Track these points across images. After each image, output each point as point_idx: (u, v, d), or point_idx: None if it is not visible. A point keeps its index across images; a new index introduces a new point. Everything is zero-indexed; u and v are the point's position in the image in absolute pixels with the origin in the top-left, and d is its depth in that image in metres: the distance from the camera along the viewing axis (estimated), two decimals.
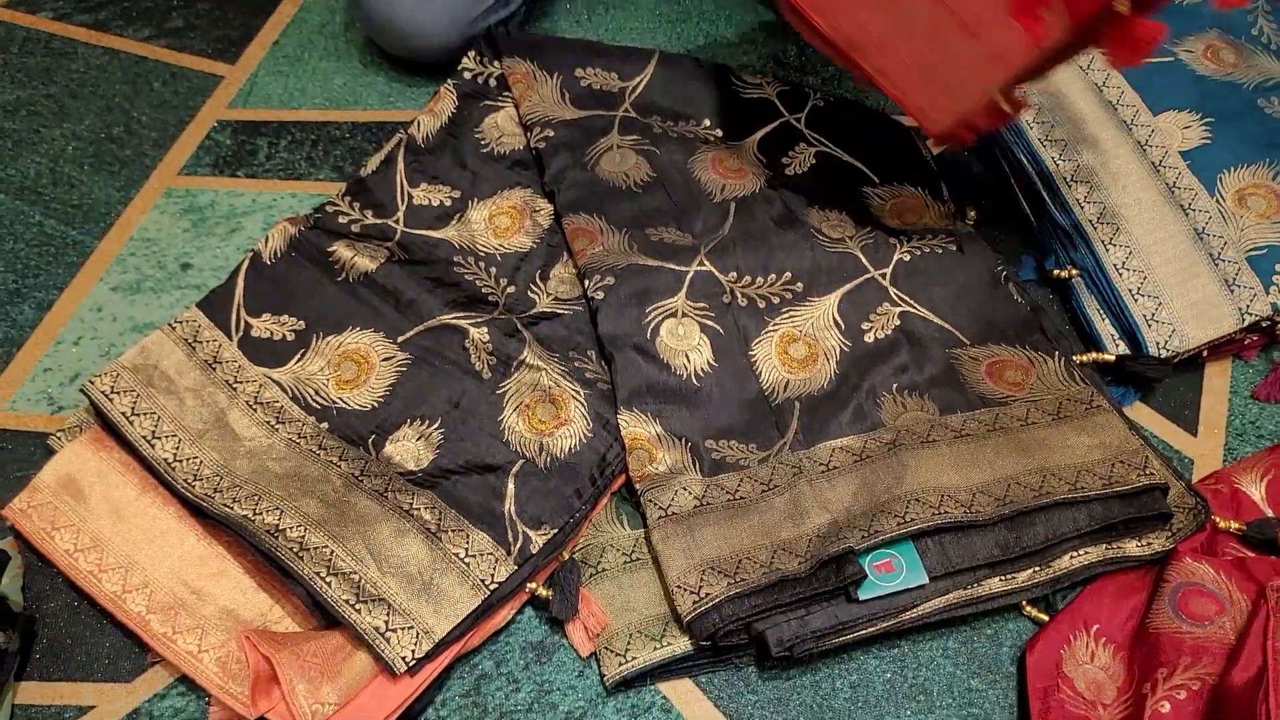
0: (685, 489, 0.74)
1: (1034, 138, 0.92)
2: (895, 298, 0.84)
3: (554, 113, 0.95)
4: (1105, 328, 0.84)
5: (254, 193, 0.98)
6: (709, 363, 0.81)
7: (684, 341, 0.81)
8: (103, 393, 0.77)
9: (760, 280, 0.85)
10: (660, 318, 0.82)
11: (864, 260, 0.86)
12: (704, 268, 0.84)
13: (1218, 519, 0.72)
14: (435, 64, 1.03)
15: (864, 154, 0.96)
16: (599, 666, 0.70)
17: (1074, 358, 0.82)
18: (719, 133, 0.97)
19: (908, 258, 0.86)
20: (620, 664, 0.69)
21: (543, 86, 0.97)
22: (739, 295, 0.84)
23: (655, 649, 0.69)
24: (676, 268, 0.84)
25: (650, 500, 0.74)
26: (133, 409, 0.76)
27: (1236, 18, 0.95)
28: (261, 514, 0.71)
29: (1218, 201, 0.85)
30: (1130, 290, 0.83)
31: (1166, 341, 0.81)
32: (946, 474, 0.74)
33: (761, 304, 0.84)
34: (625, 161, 0.92)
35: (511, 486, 0.74)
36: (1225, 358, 0.85)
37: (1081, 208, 0.88)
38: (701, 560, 0.70)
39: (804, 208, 0.91)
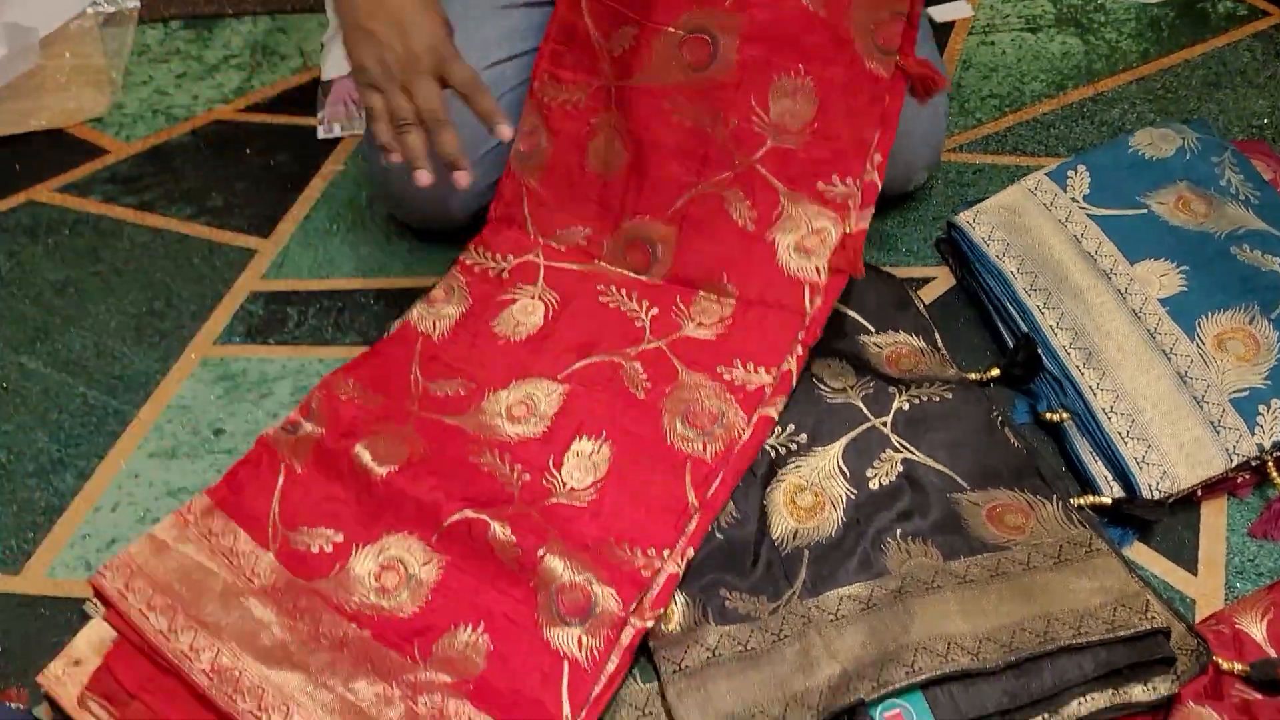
0: (698, 642, 0.76)
1: (1019, 287, 0.97)
2: (897, 444, 0.88)
3: None
4: (1099, 469, 0.87)
5: (284, 359, 1.04)
6: (731, 515, 0.84)
7: None
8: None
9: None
10: None
11: (865, 409, 0.90)
12: None
13: (1220, 660, 0.73)
14: (453, 232, 1.10)
15: (860, 305, 1.01)
16: None
17: (1071, 500, 0.84)
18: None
19: (907, 406, 0.90)
20: None
21: None
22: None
23: None
24: None
25: (664, 657, 0.76)
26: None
27: (1204, 170, 1.01)
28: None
29: (1198, 346, 0.89)
30: (1120, 433, 0.86)
31: (1158, 483, 0.83)
32: (953, 622, 0.75)
33: (771, 455, 0.87)
34: None
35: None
36: (1220, 496, 0.87)
37: (1068, 354, 0.92)
38: (715, 716, 0.72)
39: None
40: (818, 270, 0.93)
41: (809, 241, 0.94)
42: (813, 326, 0.91)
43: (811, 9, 0.93)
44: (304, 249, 1.16)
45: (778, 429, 0.89)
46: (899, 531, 0.82)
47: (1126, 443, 0.86)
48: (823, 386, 0.92)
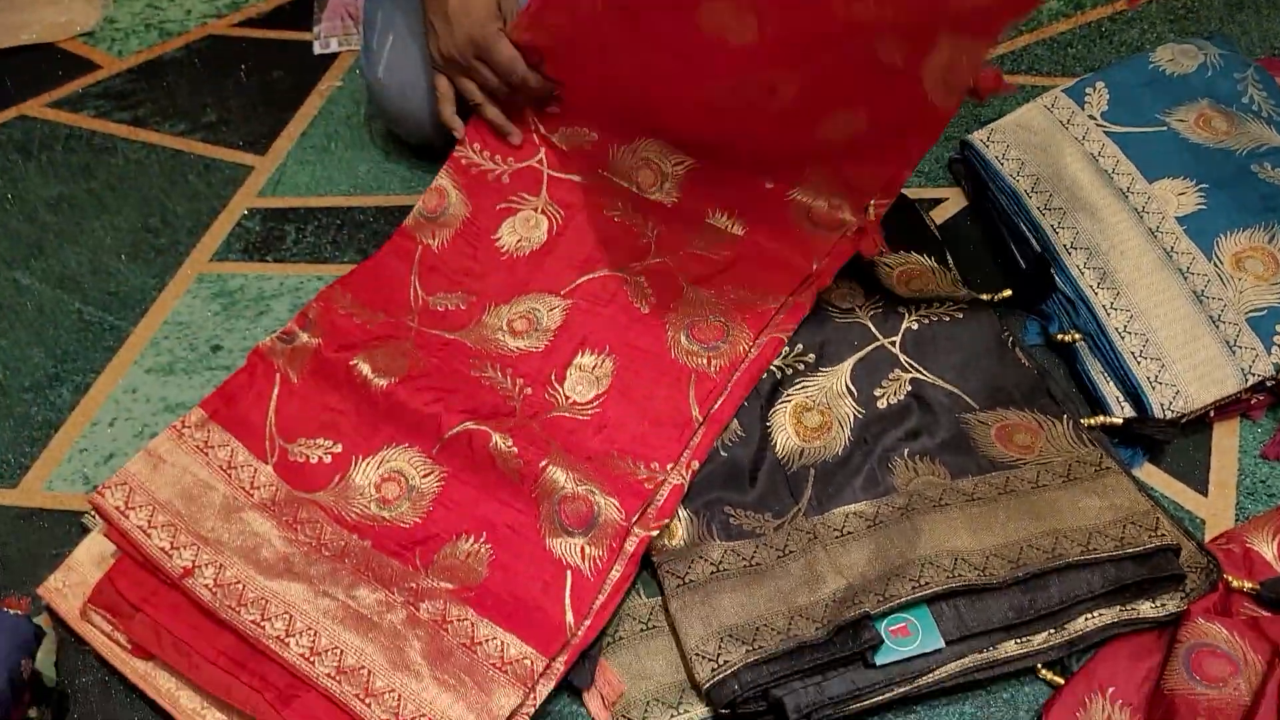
0: (702, 557, 0.76)
1: (1033, 206, 0.95)
2: (905, 364, 0.86)
3: None
4: (1110, 390, 0.86)
5: (281, 276, 1.02)
6: (735, 433, 0.83)
7: None
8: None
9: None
10: None
11: (873, 329, 0.88)
12: None
13: (1230, 578, 0.73)
14: (452, 148, 1.07)
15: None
16: None
17: (1081, 421, 0.83)
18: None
19: (916, 326, 0.88)
20: None
21: None
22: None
23: (672, 716, 0.70)
24: None
25: (668, 571, 0.75)
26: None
27: (1226, 87, 0.98)
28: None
29: (1215, 265, 0.87)
30: (1133, 353, 0.85)
31: (1170, 403, 0.82)
32: (960, 537, 0.75)
33: (777, 375, 0.86)
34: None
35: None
36: (1233, 417, 0.86)
37: (1081, 274, 0.90)
38: (719, 627, 0.72)
39: None
40: (829, 240, 0.91)
41: (826, 216, 0.91)
42: (823, 275, 0.90)
43: (885, 60, 0.81)
44: (301, 166, 1.13)
45: (785, 349, 0.87)
46: (906, 450, 0.81)
47: (1139, 362, 0.84)
48: (830, 307, 0.90)
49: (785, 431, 0.83)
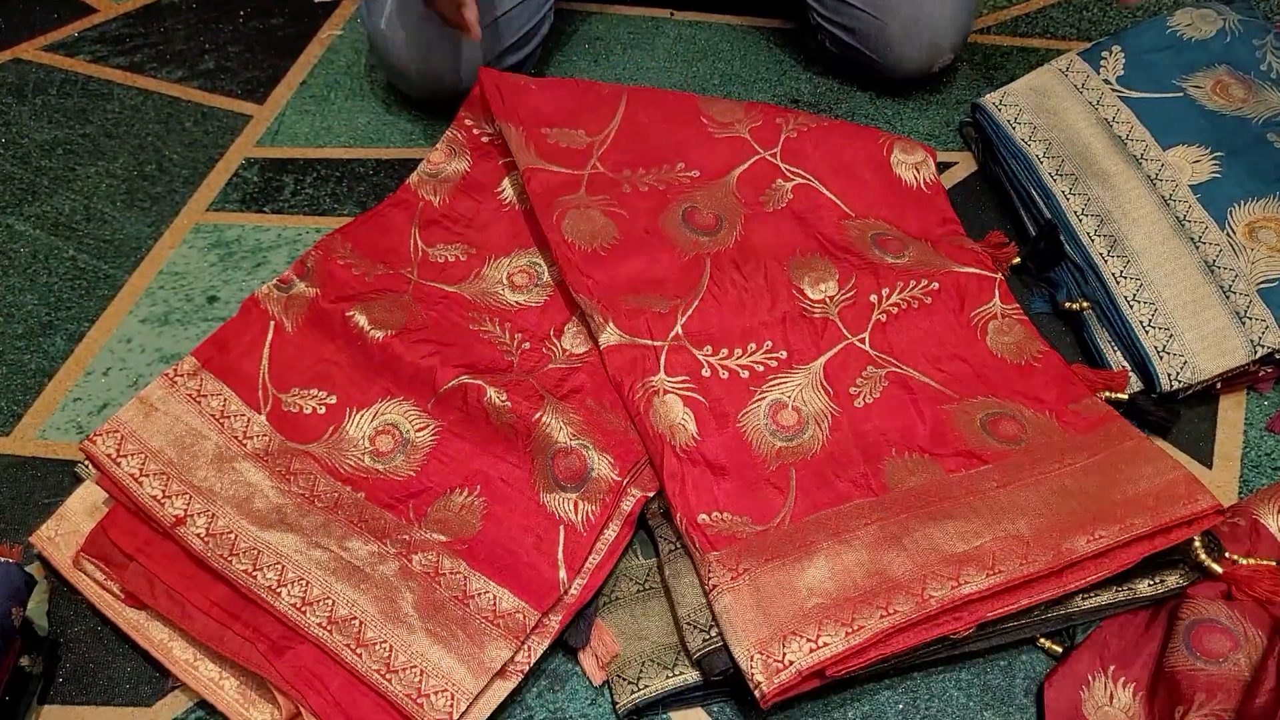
0: None
1: (1044, 172, 0.93)
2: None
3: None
4: (1117, 360, 0.85)
5: (279, 227, 1.00)
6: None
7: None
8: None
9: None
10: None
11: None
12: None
13: (1232, 556, 0.72)
14: (453, 103, 1.06)
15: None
16: (612, 694, 0.70)
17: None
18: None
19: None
20: (633, 692, 0.69)
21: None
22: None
23: (667, 677, 0.69)
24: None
25: (661, 536, 0.75)
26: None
27: (1245, 54, 0.96)
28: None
29: (1228, 235, 0.85)
30: (1141, 322, 0.84)
31: (1178, 373, 0.81)
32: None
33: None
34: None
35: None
36: (1239, 390, 0.85)
37: (1091, 241, 0.88)
38: None
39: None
40: None
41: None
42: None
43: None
44: (300, 116, 1.11)
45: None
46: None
47: (1148, 331, 0.83)
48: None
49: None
